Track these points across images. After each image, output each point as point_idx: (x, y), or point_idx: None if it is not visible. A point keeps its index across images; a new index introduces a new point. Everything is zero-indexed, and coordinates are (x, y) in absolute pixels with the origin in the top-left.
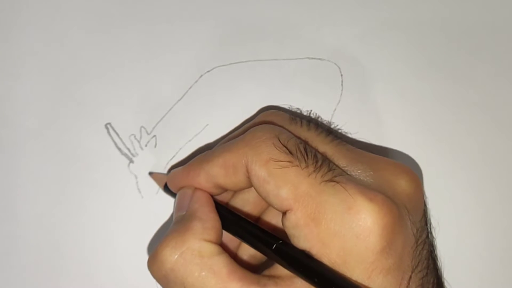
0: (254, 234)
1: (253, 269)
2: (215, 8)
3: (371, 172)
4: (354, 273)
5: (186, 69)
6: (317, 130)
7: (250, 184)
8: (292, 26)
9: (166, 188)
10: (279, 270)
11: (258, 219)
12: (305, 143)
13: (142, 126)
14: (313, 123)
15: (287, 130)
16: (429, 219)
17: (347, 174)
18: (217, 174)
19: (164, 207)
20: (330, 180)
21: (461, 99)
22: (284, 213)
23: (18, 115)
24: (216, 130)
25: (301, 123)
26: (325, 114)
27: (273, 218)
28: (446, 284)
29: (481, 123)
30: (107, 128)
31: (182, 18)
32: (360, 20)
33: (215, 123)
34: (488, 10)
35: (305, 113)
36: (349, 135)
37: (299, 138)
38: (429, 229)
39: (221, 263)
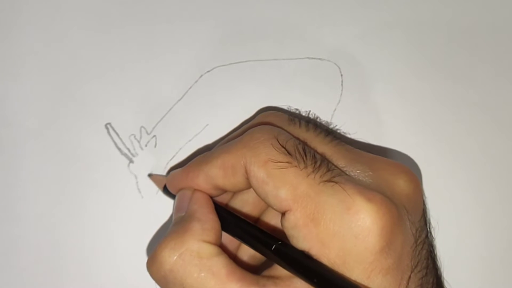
0: (253, 235)
1: (253, 269)
2: (215, 8)
3: (370, 172)
4: (353, 273)
5: (186, 69)
6: (316, 131)
7: (249, 185)
8: (292, 26)
9: (166, 190)
10: (279, 270)
11: (257, 219)
12: (304, 144)
13: (142, 126)
14: (312, 123)
15: (285, 130)
16: (429, 219)
17: (346, 174)
18: (216, 175)
19: (164, 207)
20: (329, 181)
21: (461, 99)
22: (283, 214)
23: (18, 115)
24: (216, 130)
25: (300, 123)
26: (325, 114)
27: (272, 219)
28: (445, 284)
29: (481, 123)
30: (107, 128)
31: (182, 18)
32: (360, 20)
33: (215, 123)
34: (488, 10)
35: (303, 114)
36: (349, 135)
37: (297, 138)
38: (428, 229)
39: (220, 264)
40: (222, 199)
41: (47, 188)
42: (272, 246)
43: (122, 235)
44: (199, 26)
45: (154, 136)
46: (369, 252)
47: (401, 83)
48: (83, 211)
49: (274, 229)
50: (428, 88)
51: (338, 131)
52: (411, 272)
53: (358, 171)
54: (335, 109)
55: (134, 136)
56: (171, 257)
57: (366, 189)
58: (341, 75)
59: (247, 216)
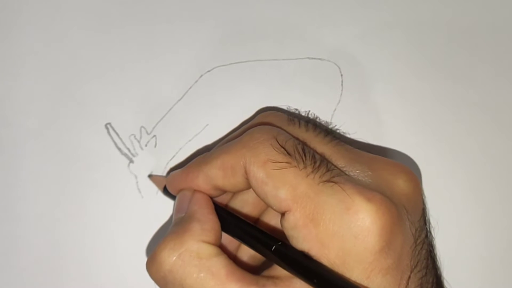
0: (253, 236)
1: (253, 270)
2: (215, 8)
3: (370, 172)
4: (353, 274)
5: (186, 69)
6: (315, 131)
7: (248, 186)
8: (292, 26)
9: (166, 191)
10: (278, 270)
11: (257, 220)
12: (303, 144)
13: (142, 126)
14: (311, 123)
15: (285, 131)
16: (428, 219)
17: (346, 174)
18: (215, 176)
19: (164, 207)
20: (328, 181)
21: (461, 99)
22: (282, 214)
23: (18, 115)
24: (216, 130)
25: (299, 123)
26: (325, 114)
27: (272, 219)
28: (445, 283)
29: (481, 123)
30: (107, 128)
31: (182, 18)
32: (360, 20)
33: (215, 123)
34: (488, 10)
35: (303, 114)
36: (349, 135)
37: (297, 139)
38: (428, 229)
39: (219, 264)
40: (222, 199)
41: (47, 188)
42: (272, 247)
43: (122, 235)
44: (199, 26)
45: (154, 136)
46: (369, 252)
47: (401, 83)
48: (83, 211)
49: (274, 229)
50: (428, 88)
51: (338, 131)
52: (411, 272)
53: (357, 171)
54: (335, 109)
55: (134, 136)
56: (170, 257)
57: (366, 189)
58: (341, 75)
59: (247, 216)
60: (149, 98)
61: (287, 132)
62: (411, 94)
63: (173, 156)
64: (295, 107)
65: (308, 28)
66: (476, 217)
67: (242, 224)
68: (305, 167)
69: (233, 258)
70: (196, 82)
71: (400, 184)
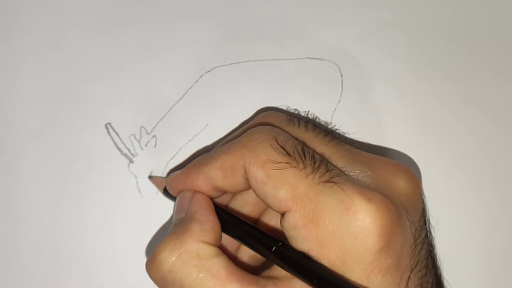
0: (253, 236)
1: (253, 270)
2: (215, 8)
3: (369, 172)
4: (353, 274)
5: (186, 69)
6: (314, 131)
7: (248, 186)
8: (292, 26)
9: (166, 191)
10: (278, 271)
11: (257, 220)
12: (303, 144)
13: (142, 126)
14: (311, 123)
15: (284, 131)
16: (428, 219)
17: (345, 174)
18: (215, 176)
19: (164, 207)
20: (328, 181)
21: (461, 99)
22: (282, 215)
23: (18, 115)
24: (216, 130)
25: (299, 124)
26: (325, 114)
27: (272, 219)
28: (445, 283)
29: (481, 123)
30: (107, 128)
31: (182, 18)
32: (360, 20)
33: (215, 123)
34: (488, 10)
35: (303, 114)
36: (348, 135)
37: (296, 139)
38: (428, 229)
39: (219, 264)
40: (222, 200)
41: (47, 188)
42: (272, 248)
43: (122, 235)
44: (199, 26)
45: (154, 136)
46: (369, 252)
47: (401, 83)
48: (83, 211)
49: (273, 229)
50: (428, 88)
51: (338, 131)
52: (411, 272)
53: (357, 171)
54: (335, 109)
55: (134, 136)
56: (170, 257)
57: (365, 189)
58: (341, 75)
59: (247, 216)
60: (149, 98)
61: (287, 132)
62: (411, 94)
63: (173, 156)
64: (295, 107)
65: (308, 28)
66: (476, 217)
67: (242, 225)
68: (304, 167)
69: (233, 259)
70: (196, 82)
71: (400, 184)
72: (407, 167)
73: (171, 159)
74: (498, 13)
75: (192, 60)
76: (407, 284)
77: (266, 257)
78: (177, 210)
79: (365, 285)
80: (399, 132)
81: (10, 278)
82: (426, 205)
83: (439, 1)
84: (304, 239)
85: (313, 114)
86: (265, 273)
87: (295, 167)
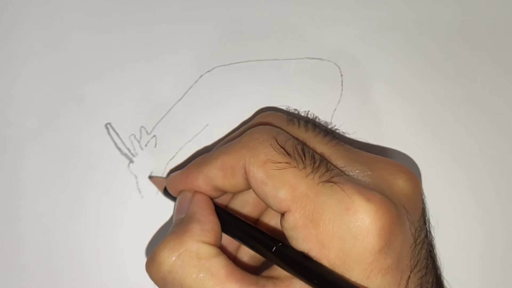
0: (253, 237)
1: (253, 270)
2: (215, 8)
3: (369, 172)
4: (353, 274)
5: (186, 69)
6: (314, 131)
7: (248, 186)
8: (292, 26)
9: (166, 192)
10: (278, 271)
11: (257, 220)
12: (303, 144)
13: (142, 126)
14: (311, 123)
15: (284, 131)
16: (428, 219)
17: (345, 174)
18: (215, 176)
19: (164, 207)
20: (328, 181)
21: (461, 99)
22: (282, 215)
23: (18, 115)
24: (216, 130)
25: (299, 124)
26: (325, 114)
27: (272, 219)
28: (445, 283)
29: (481, 123)
30: (107, 128)
31: (182, 18)
32: (360, 20)
33: (215, 123)
34: (488, 10)
35: (302, 114)
36: (348, 135)
37: (296, 139)
38: (428, 229)
39: (219, 264)
40: (222, 200)
41: (47, 188)
42: (273, 248)
43: (122, 235)
44: (199, 26)
45: (154, 136)
46: (368, 252)
47: (401, 83)
48: (83, 211)
49: (273, 230)
50: (428, 88)
51: (338, 131)
52: (411, 272)
53: (357, 171)
54: (335, 109)
55: (134, 136)
56: (170, 257)
57: (365, 188)
58: (341, 75)
59: (247, 216)
60: (149, 98)
61: (287, 132)
62: (411, 94)
63: (173, 156)
64: (295, 107)
65: (308, 28)
66: (476, 217)
67: (242, 225)
68: (304, 167)
69: (233, 259)
70: (196, 82)
71: (400, 184)
72: (407, 167)
73: (171, 159)
74: (498, 13)
75: (192, 60)
76: (407, 284)
77: (266, 257)
78: (177, 210)
79: (365, 285)
80: (399, 132)
81: (10, 278)
82: (426, 205)
83: (439, 1)
84: (304, 239)
85: (313, 114)
86: (265, 273)
87: (295, 167)
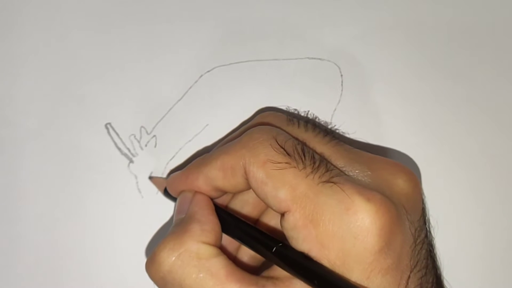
0: (253, 237)
1: (253, 270)
2: (215, 8)
3: (369, 172)
4: (353, 274)
5: (186, 69)
6: (314, 131)
7: (248, 186)
8: (292, 26)
9: (166, 192)
10: (278, 271)
11: (257, 220)
12: (303, 144)
13: (142, 126)
14: (311, 123)
15: (284, 131)
16: (428, 219)
17: (345, 174)
18: (215, 176)
19: (164, 207)
20: (328, 181)
21: (461, 99)
22: (282, 215)
23: (18, 115)
24: (216, 130)
25: (299, 124)
26: (325, 114)
27: (272, 219)
28: (445, 283)
29: (481, 123)
30: (107, 128)
31: (182, 18)
32: (360, 20)
33: (215, 123)
34: (488, 10)
35: (302, 114)
36: (348, 135)
37: (296, 139)
38: (427, 229)
39: (219, 264)
40: (222, 200)
41: (47, 188)
42: (273, 248)
43: (122, 235)
44: (199, 26)
45: (154, 136)
46: (368, 253)
47: (401, 83)
48: (83, 211)
49: (273, 230)
50: (428, 88)
51: (338, 131)
52: (411, 272)
53: (357, 171)
54: (335, 109)
55: (134, 136)
56: (169, 257)
57: (365, 188)
58: (341, 75)
59: (247, 216)
60: (149, 98)
61: (287, 132)
62: (411, 94)
63: (173, 156)
64: (295, 107)
65: (308, 28)
66: (476, 217)
67: (242, 225)
68: (304, 168)
69: (233, 259)
70: (196, 82)
71: (400, 183)
72: (407, 167)
73: (171, 159)
74: (498, 13)
75: (192, 60)
76: (407, 284)
77: (266, 258)
78: (177, 211)
79: (365, 285)
80: (399, 132)
81: (10, 278)
82: (426, 205)
83: (439, 1)
84: (304, 239)
85: (313, 114)
86: (265, 273)
87: (295, 167)
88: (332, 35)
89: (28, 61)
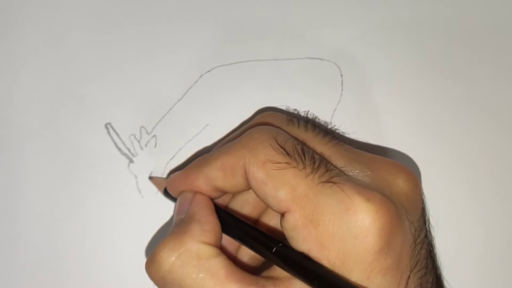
0: (253, 237)
1: (253, 270)
2: (215, 8)
3: (369, 172)
4: (353, 274)
5: (186, 69)
6: (314, 131)
7: (248, 186)
8: (292, 26)
9: (166, 193)
10: (278, 271)
11: (257, 220)
12: (303, 144)
13: (142, 126)
14: (311, 123)
15: (284, 131)
16: (428, 218)
17: (345, 174)
18: (215, 177)
19: (164, 207)
20: (328, 181)
21: (461, 99)
22: (282, 215)
23: (18, 115)
24: (216, 130)
25: (298, 124)
26: (325, 114)
27: (272, 219)
28: (445, 283)
29: (481, 123)
30: (107, 128)
31: (182, 18)
32: (360, 20)
33: (215, 123)
34: (488, 10)
35: (302, 114)
36: (348, 135)
37: (296, 139)
38: (427, 228)
39: (219, 265)
40: (222, 200)
41: (47, 188)
42: (273, 248)
43: (122, 235)
44: (199, 26)
45: (154, 136)
46: (368, 253)
47: (401, 83)
48: (83, 211)
49: (273, 230)
50: (428, 88)
51: (338, 131)
52: (410, 272)
53: (357, 171)
54: (335, 109)
55: (134, 136)
56: (169, 257)
57: (365, 188)
58: (341, 75)
59: (247, 216)
60: (149, 98)
61: (286, 132)
62: (411, 94)
63: (173, 156)
64: (295, 107)
65: (308, 28)
66: (476, 217)
67: (242, 226)
68: (304, 168)
69: (233, 259)
70: (196, 82)
71: (400, 183)
72: (407, 167)
73: (171, 159)
74: (498, 13)
75: (192, 60)
76: (407, 284)
77: (266, 258)
78: (177, 211)
79: (365, 285)
80: (399, 132)
81: (10, 278)
82: (426, 205)
83: (439, 1)
84: (304, 239)
85: (313, 114)
86: (265, 273)
87: (294, 167)
88: (332, 35)
89: (28, 61)
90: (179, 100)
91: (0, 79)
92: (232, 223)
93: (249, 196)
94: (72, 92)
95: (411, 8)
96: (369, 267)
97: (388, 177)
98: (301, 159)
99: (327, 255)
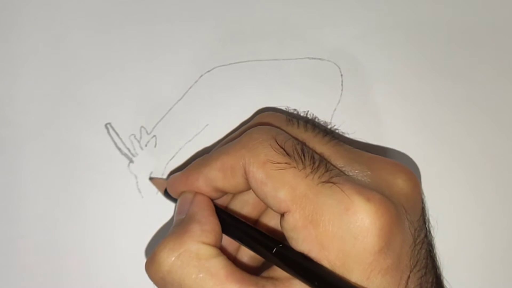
0: (253, 238)
1: (253, 270)
2: (215, 8)
3: (369, 172)
4: (353, 275)
5: (186, 69)
6: (314, 131)
7: (248, 187)
8: (292, 26)
9: (166, 193)
10: (278, 271)
11: (257, 220)
12: (302, 144)
13: (142, 126)
14: (310, 124)
15: (284, 131)
16: (427, 218)
17: (345, 174)
18: (215, 177)
19: (164, 207)
20: (327, 181)
21: (461, 99)
22: (282, 215)
23: (18, 115)
24: (216, 130)
25: (298, 124)
26: (325, 114)
27: (271, 220)
28: (445, 283)
29: (481, 123)
30: (107, 128)
31: (182, 18)
32: (360, 20)
33: (215, 123)
34: (488, 10)
35: (302, 114)
36: (348, 135)
37: (296, 139)
38: (427, 228)
39: (219, 265)
40: (222, 200)
41: (47, 188)
42: (273, 249)
43: (122, 235)
44: (199, 26)
45: (154, 136)
46: (368, 253)
47: (401, 83)
48: (83, 211)
49: (273, 230)
50: (428, 88)
51: (338, 131)
52: (410, 272)
53: (356, 171)
54: (335, 109)
55: (134, 136)
56: (169, 258)
57: (365, 188)
58: (341, 75)
59: (247, 216)
60: (149, 98)
61: (286, 133)
62: (411, 94)
63: (173, 156)
64: (295, 107)
65: (308, 28)
66: (476, 217)
67: (242, 226)
68: (304, 168)
69: (233, 259)
70: (196, 82)
71: (399, 183)
72: (407, 167)
73: (171, 159)
74: (498, 13)
75: (192, 60)
76: (407, 284)
77: (266, 258)
78: (178, 212)
79: (365, 285)
80: (399, 132)
81: (10, 278)
82: (426, 205)
83: (439, 1)
84: (304, 240)
85: (313, 114)
86: (265, 273)
87: (294, 167)
88: (332, 35)
89: (28, 61)
90: (179, 100)
91: (0, 79)
92: (232, 224)
93: (249, 197)
94: (72, 92)
95: (411, 8)
96: (369, 268)
97: (387, 177)
98: (301, 159)
99: (327, 255)
